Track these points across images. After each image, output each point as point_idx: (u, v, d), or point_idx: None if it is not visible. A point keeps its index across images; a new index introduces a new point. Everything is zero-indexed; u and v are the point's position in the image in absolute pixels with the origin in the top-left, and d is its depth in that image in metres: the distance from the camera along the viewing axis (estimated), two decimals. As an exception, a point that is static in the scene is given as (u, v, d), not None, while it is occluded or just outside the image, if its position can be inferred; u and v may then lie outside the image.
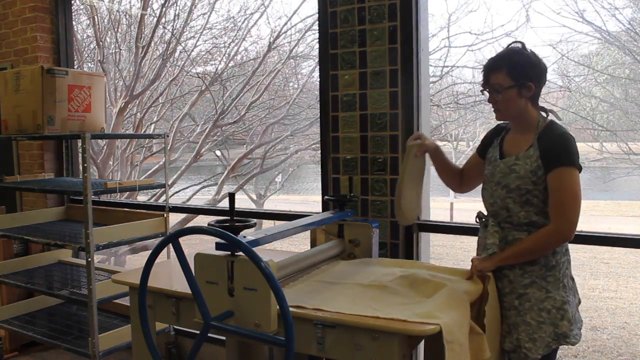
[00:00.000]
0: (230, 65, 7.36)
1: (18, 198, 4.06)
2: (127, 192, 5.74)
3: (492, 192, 1.88)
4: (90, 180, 2.70)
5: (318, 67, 2.82)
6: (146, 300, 1.77)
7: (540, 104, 1.87)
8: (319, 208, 2.84)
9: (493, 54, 1.85)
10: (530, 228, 1.79)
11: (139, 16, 6.56)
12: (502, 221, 1.85)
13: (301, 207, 11.79)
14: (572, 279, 1.87)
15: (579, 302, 1.89)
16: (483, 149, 2.02)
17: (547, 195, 1.75)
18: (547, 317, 1.75)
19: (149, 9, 6.68)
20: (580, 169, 1.73)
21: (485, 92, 1.85)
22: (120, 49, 6.99)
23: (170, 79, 7.14)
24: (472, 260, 1.90)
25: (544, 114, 1.84)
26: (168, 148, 3.54)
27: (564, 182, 1.71)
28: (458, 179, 2.11)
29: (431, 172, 2.65)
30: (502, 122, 1.97)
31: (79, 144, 3.55)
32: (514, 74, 1.76)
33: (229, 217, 1.74)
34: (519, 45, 1.81)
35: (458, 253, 9.12)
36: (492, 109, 1.87)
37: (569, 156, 1.72)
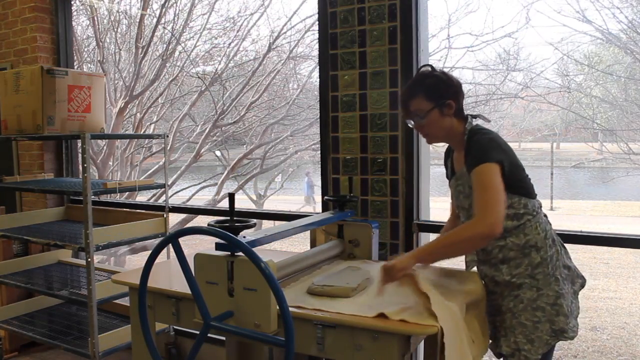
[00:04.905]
0: (230, 65, 7.36)
1: (18, 198, 4.06)
2: (127, 193, 5.74)
3: (460, 211, 1.91)
4: (90, 180, 2.70)
5: (318, 67, 2.82)
6: (146, 301, 1.77)
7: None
8: (318, 208, 2.84)
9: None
10: (504, 234, 1.74)
11: (139, 16, 6.56)
12: None
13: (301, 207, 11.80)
14: (568, 267, 1.83)
15: (581, 286, 1.86)
16: (447, 174, 2.03)
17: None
18: (542, 315, 1.74)
19: (148, 10, 6.68)
20: (501, 163, 1.67)
21: (410, 122, 1.86)
22: (120, 49, 6.99)
23: (170, 79, 7.13)
24: (391, 266, 1.73)
25: (470, 120, 1.83)
26: (168, 148, 3.54)
27: (481, 178, 1.67)
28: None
29: (431, 172, 2.66)
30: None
31: (79, 144, 3.55)
32: (431, 96, 1.79)
33: (228, 218, 1.74)
34: (428, 68, 1.85)
35: (458, 253, 9.09)
36: (422, 136, 1.90)
37: (483, 153, 1.69)
